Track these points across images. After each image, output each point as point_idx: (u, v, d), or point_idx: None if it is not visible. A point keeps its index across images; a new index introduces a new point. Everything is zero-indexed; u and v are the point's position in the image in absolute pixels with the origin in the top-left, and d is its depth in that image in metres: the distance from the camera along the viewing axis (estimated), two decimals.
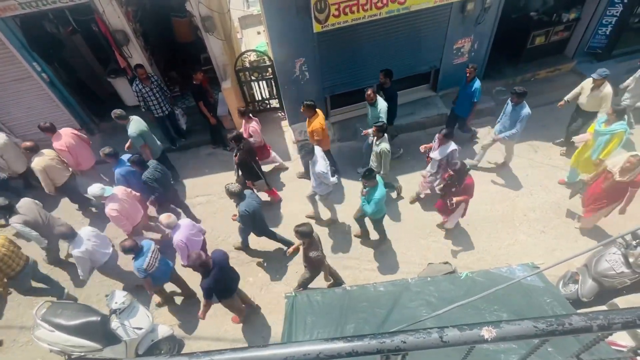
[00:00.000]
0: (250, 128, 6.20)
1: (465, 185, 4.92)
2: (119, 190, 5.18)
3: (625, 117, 5.07)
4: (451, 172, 5.00)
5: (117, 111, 5.82)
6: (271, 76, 7.64)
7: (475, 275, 3.47)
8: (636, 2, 7.43)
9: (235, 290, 4.62)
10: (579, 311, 2.42)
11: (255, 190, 5.74)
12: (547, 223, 5.88)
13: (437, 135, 5.48)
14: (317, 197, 5.74)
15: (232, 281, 4.56)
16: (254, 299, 5.28)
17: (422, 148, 5.80)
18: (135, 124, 5.88)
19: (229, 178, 6.72)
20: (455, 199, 5.04)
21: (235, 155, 5.68)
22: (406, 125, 7.53)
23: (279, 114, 8.25)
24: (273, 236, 5.50)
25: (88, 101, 7.90)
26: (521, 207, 6.08)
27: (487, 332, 1.12)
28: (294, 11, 5.78)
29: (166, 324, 4.93)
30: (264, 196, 6.36)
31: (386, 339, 1.11)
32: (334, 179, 5.27)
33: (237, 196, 4.81)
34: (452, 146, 5.32)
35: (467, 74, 6.09)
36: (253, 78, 7.70)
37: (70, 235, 4.73)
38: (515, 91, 5.55)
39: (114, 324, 4.44)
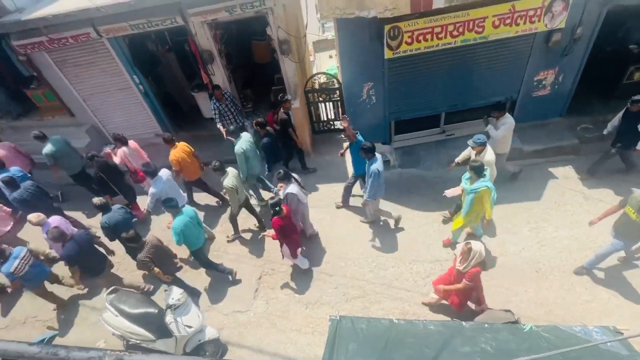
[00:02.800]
0: (119, 152, 6.59)
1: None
2: None
3: (486, 173, 4.77)
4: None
5: (35, 132, 6.64)
6: (338, 98, 7.84)
7: (542, 330, 3.11)
8: None
9: (98, 271, 5.45)
10: None
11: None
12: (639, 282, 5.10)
13: None
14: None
15: (91, 259, 5.38)
16: (296, 316, 5.30)
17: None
18: (50, 144, 6.68)
19: None
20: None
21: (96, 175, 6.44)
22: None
23: (342, 136, 8.37)
24: (131, 249, 5.66)
25: (172, 112, 8.77)
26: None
27: None
28: (366, 37, 5.92)
29: (214, 327, 5.11)
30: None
31: None
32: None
33: (99, 208, 5.50)
34: None
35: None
36: (321, 99, 7.97)
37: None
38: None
39: (169, 318, 4.72)
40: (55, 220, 5.61)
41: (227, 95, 7.27)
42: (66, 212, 6.81)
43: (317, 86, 8.46)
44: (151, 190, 5.80)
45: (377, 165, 5.27)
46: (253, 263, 6.19)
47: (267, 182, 6.80)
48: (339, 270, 5.84)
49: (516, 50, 6.30)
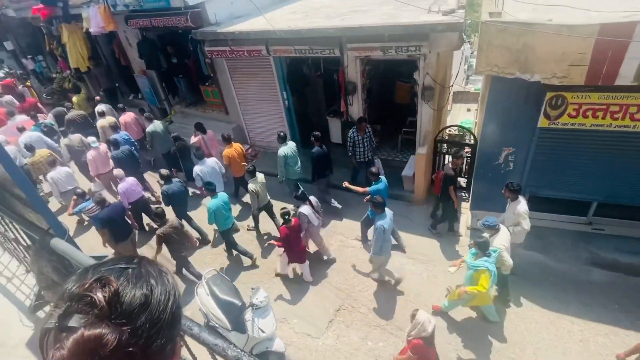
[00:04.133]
0: (199, 137, 7.94)
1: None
2: (99, 148, 7.74)
3: (492, 252, 4.62)
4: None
5: (147, 114, 8.76)
6: (469, 155, 7.36)
7: None
8: None
9: (121, 239, 6.19)
10: None
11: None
12: None
13: None
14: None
15: (121, 229, 6.19)
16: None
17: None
18: (153, 125, 8.42)
19: None
20: None
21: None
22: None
23: (463, 194, 7.80)
24: (189, 221, 6.97)
25: (304, 129, 9.48)
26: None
27: None
28: (520, 100, 5.46)
29: (283, 340, 5.15)
30: None
31: None
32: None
33: (163, 178, 6.62)
34: None
35: None
36: (450, 151, 7.60)
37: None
38: None
39: (247, 316, 4.95)
40: (130, 180, 6.97)
41: (368, 129, 7.39)
42: (148, 175, 8.67)
43: (447, 137, 8.13)
44: (195, 168, 7.07)
45: (384, 222, 5.19)
46: (336, 293, 6.13)
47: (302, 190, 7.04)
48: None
49: None
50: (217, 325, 5.24)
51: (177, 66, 10.65)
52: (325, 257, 6.60)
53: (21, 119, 9.38)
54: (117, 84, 12.77)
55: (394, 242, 5.92)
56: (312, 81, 9.42)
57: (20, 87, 12.25)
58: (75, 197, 6.62)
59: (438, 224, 6.91)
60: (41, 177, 7.96)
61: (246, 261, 6.80)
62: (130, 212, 6.67)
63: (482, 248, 4.60)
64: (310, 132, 9.47)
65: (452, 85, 8.12)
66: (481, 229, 5.05)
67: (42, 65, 15.28)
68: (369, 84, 8.21)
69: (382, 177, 6.19)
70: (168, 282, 0.73)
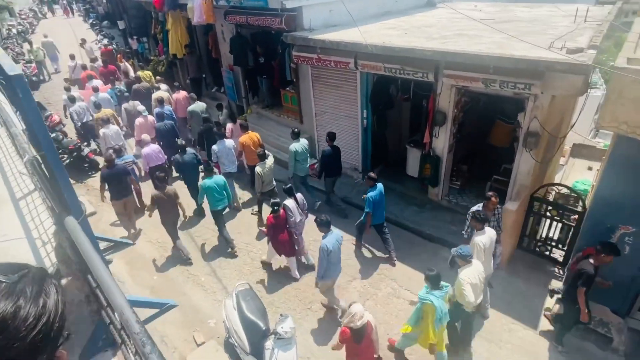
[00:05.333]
0: (229, 125, 9.41)
1: None
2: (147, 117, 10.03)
3: (444, 286, 4.74)
4: None
5: (192, 94, 10.93)
6: (574, 224, 6.59)
7: None
8: None
9: (118, 197, 7.69)
10: None
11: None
12: None
13: None
14: None
15: (119, 189, 7.65)
16: None
17: None
18: (194, 106, 10.59)
19: None
20: None
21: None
22: None
23: (555, 269, 6.99)
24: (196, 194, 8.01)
25: (378, 155, 9.48)
26: None
27: None
28: None
29: None
30: None
31: None
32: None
33: (179, 147, 8.25)
34: None
35: None
36: (549, 214, 6.89)
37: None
38: None
39: (268, 343, 4.94)
40: (154, 147, 8.81)
41: (498, 210, 6.23)
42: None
43: (550, 197, 7.38)
44: (213, 147, 8.42)
45: (327, 240, 5.52)
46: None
47: (311, 187, 8.61)
48: None
49: None
50: (235, 345, 5.33)
51: (263, 66, 11.42)
52: (304, 260, 7.18)
53: (96, 82, 12.21)
54: (204, 75, 14.16)
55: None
56: (397, 104, 9.35)
57: (124, 63, 14.88)
58: (112, 150, 8.33)
59: (561, 336, 5.66)
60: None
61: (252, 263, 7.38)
62: (133, 178, 8.13)
63: (431, 281, 4.69)
64: (383, 160, 9.48)
65: (565, 136, 7.39)
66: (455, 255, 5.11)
67: (145, 47, 17.83)
68: (462, 117, 7.88)
69: (379, 184, 6.75)
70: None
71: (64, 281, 2.55)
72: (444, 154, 7.82)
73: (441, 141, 7.77)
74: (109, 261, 7.43)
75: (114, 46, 18.23)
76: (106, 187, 7.65)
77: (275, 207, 6.50)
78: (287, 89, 10.76)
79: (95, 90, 11.20)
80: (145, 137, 9.02)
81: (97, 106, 10.49)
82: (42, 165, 3.09)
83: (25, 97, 2.50)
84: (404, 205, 8.51)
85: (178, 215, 7.40)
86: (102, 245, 7.24)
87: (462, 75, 6.64)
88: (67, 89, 11.29)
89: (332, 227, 5.71)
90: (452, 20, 9.71)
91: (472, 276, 4.93)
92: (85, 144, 10.97)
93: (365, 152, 9.26)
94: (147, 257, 7.80)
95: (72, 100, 10.91)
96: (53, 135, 9.78)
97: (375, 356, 5.11)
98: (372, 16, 10.36)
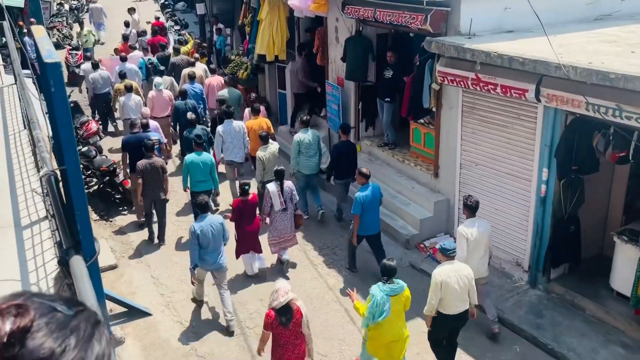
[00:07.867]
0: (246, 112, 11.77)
1: None
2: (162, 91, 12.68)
3: (397, 285, 5.88)
4: None
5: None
6: None
7: None
8: None
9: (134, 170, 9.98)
10: None
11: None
12: None
13: None
14: None
15: (136, 159, 9.26)
16: None
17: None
18: (225, 91, 12.74)
19: None
20: None
21: None
22: None
23: None
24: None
25: (561, 246, 8.04)
26: None
27: None
28: None
29: None
30: None
31: None
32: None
33: (190, 122, 10.72)
34: None
35: None
36: None
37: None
38: None
39: None
40: (153, 123, 10.87)
41: None
42: None
43: None
44: (218, 128, 10.43)
45: (199, 224, 7.14)
46: None
47: (317, 191, 10.03)
48: None
49: None
50: None
51: (388, 84, 10.96)
52: (283, 257, 8.69)
53: (138, 54, 15.69)
54: (319, 88, 13.12)
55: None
56: (605, 166, 8.05)
57: (194, 56, 16.08)
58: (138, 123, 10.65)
59: None
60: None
61: None
62: (157, 154, 10.13)
63: (384, 271, 5.94)
64: (571, 256, 8.20)
65: None
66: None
67: (225, 42, 18.40)
68: None
69: (373, 184, 8.06)
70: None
71: None
72: None
73: None
74: (120, 341, 7.31)
75: (197, 39, 19.02)
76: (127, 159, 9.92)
77: (246, 188, 7.96)
78: (421, 121, 10.20)
79: (123, 59, 14.26)
80: (145, 110, 11.53)
81: (122, 76, 13.26)
82: (61, 184, 3.20)
83: (57, 92, 2.68)
84: (599, 341, 7.34)
85: (160, 190, 9.11)
86: (111, 306, 6.67)
87: None
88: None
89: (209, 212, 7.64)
90: None
91: (445, 275, 5.98)
92: (97, 118, 14.05)
93: (538, 239, 8.16)
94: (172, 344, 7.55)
95: (95, 66, 13.90)
96: (84, 149, 10.81)
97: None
98: (576, 21, 9.56)
